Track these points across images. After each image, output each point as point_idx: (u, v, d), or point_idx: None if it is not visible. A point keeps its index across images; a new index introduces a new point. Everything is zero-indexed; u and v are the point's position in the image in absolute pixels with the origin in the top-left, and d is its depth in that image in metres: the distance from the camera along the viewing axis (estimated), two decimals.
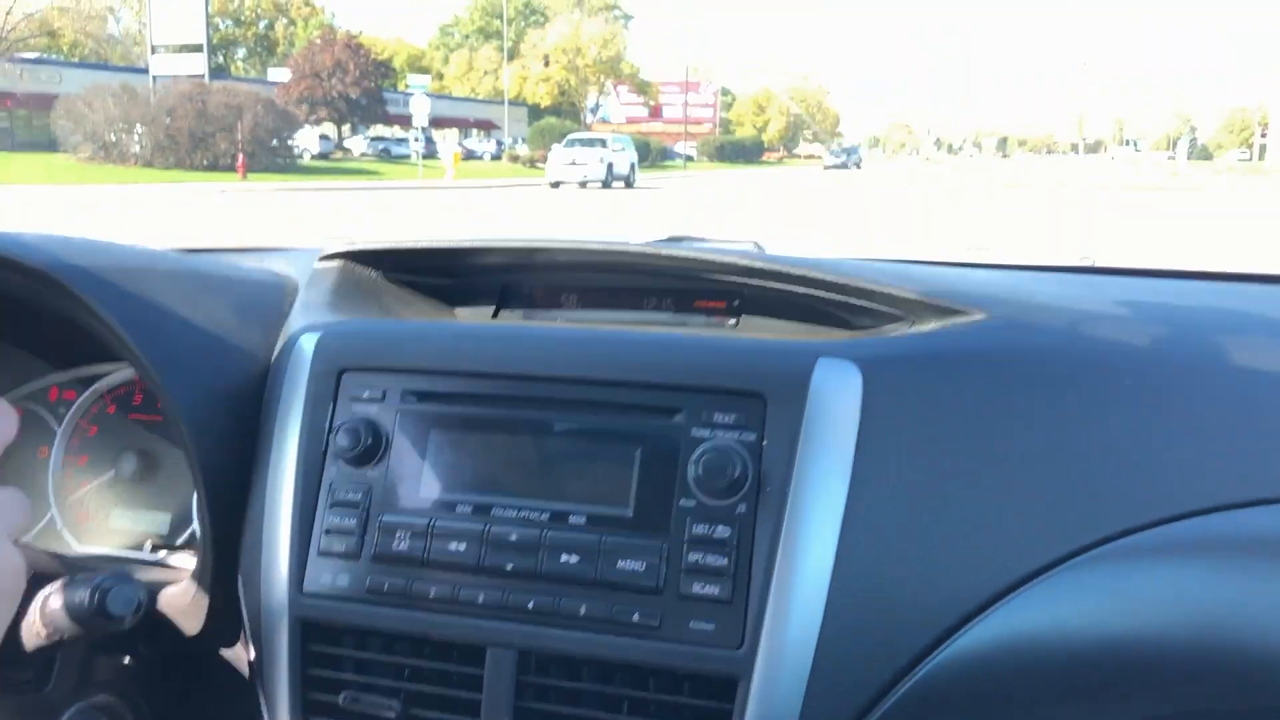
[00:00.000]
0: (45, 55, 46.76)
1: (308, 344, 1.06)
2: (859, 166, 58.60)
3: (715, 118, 71.81)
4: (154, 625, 1.05)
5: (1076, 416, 0.90)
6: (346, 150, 48.25)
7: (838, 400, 0.90)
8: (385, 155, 47.77)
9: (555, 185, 29.23)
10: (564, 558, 0.91)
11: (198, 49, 33.90)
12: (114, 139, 29.76)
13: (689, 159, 57.30)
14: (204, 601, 1.03)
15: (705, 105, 71.18)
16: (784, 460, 0.89)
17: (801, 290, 1.06)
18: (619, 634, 0.89)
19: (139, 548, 1.23)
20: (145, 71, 35.11)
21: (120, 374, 1.31)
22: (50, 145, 33.44)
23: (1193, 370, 0.93)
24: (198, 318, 1.09)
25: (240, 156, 28.06)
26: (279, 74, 49.75)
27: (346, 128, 50.41)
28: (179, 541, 1.21)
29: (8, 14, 40.45)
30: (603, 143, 31.40)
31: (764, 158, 63.91)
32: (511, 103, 62.16)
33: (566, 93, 62.13)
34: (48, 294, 1.06)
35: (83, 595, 0.86)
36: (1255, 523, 0.84)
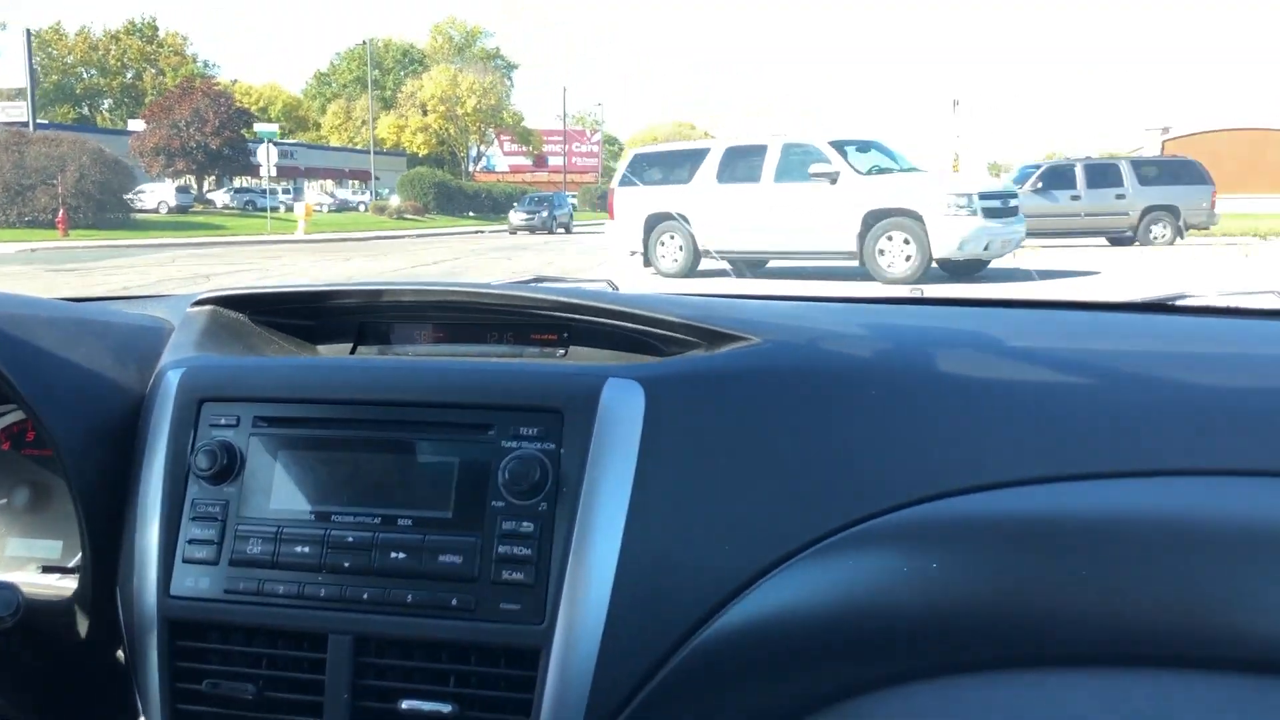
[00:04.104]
0: None
1: (173, 378, 1.18)
2: (566, 229, 34.51)
3: (599, 166, 71.07)
4: (41, 636, 1.17)
5: (827, 422, 1.04)
6: (209, 203, 46.00)
7: (623, 413, 1.04)
8: (250, 208, 45.69)
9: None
10: (393, 555, 1.05)
11: (20, 94, 31.71)
12: None
13: (573, 208, 56.33)
14: (86, 613, 1.15)
15: (590, 154, 70.46)
16: (578, 465, 1.03)
17: (618, 324, 1.21)
18: (441, 617, 1.02)
19: (33, 571, 1.29)
20: None
21: (15, 414, 1.40)
22: None
23: (926, 381, 1.07)
24: (77, 359, 1.19)
25: (61, 211, 25.95)
26: (138, 124, 47.47)
27: (211, 180, 48.24)
28: (70, 564, 1.28)
29: None
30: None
31: None
32: (390, 152, 60.56)
33: (446, 142, 60.70)
34: None
35: None
36: (970, 507, 0.97)
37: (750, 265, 13.22)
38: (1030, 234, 19.12)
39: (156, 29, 65.47)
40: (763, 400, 1.05)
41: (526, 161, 68.70)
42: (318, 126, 68.39)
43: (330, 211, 46.71)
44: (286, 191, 37.20)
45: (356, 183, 59.89)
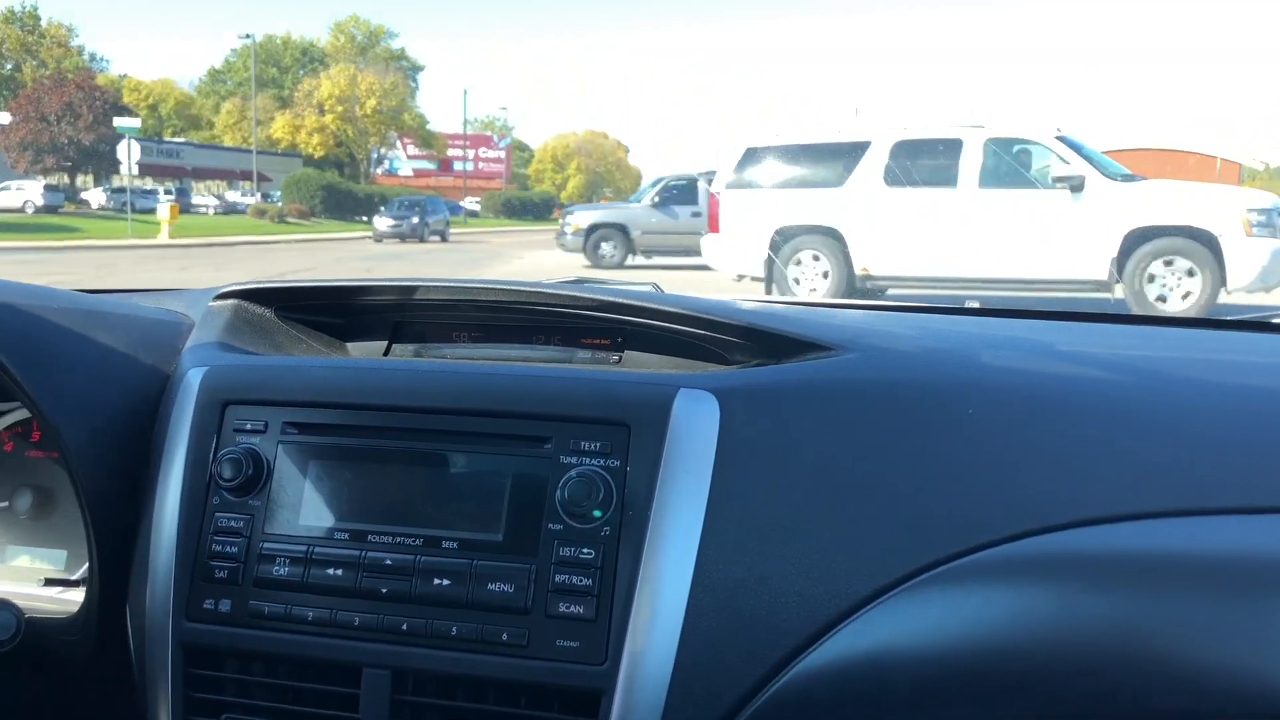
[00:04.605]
0: None
1: (194, 378, 1.09)
2: (442, 237, 29.71)
3: (507, 172, 69.33)
4: (42, 656, 1.07)
5: (922, 443, 0.95)
6: (83, 203, 43.20)
7: (696, 428, 0.95)
8: (129, 209, 43.13)
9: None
10: (436, 581, 0.96)
11: None
12: None
13: (472, 214, 54.58)
14: (91, 632, 1.06)
15: (497, 160, 68.67)
16: (646, 485, 0.94)
17: (678, 328, 1.12)
18: (489, 653, 0.94)
19: (35, 583, 1.22)
20: None
21: (20, 411, 1.31)
22: None
23: (1028, 399, 0.98)
24: (89, 355, 1.11)
25: None
26: (4, 117, 44.54)
27: (90, 178, 45.51)
28: (75, 577, 1.21)
29: None
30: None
31: (555, 214, 61.56)
32: (286, 153, 58.05)
33: (344, 143, 58.33)
34: None
35: None
36: (1080, 542, 0.89)
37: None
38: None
39: (38, 18, 62.06)
40: (850, 416, 0.96)
41: (432, 166, 66.72)
42: (211, 125, 65.49)
43: (217, 214, 44.18)
44: (169, 192, 34.87)
45: (248, 184, 57.34)
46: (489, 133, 71.56)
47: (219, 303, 1.25)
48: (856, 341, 1.03)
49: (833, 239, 9.80)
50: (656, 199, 18.03)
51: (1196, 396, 0.99)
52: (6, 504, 1.26)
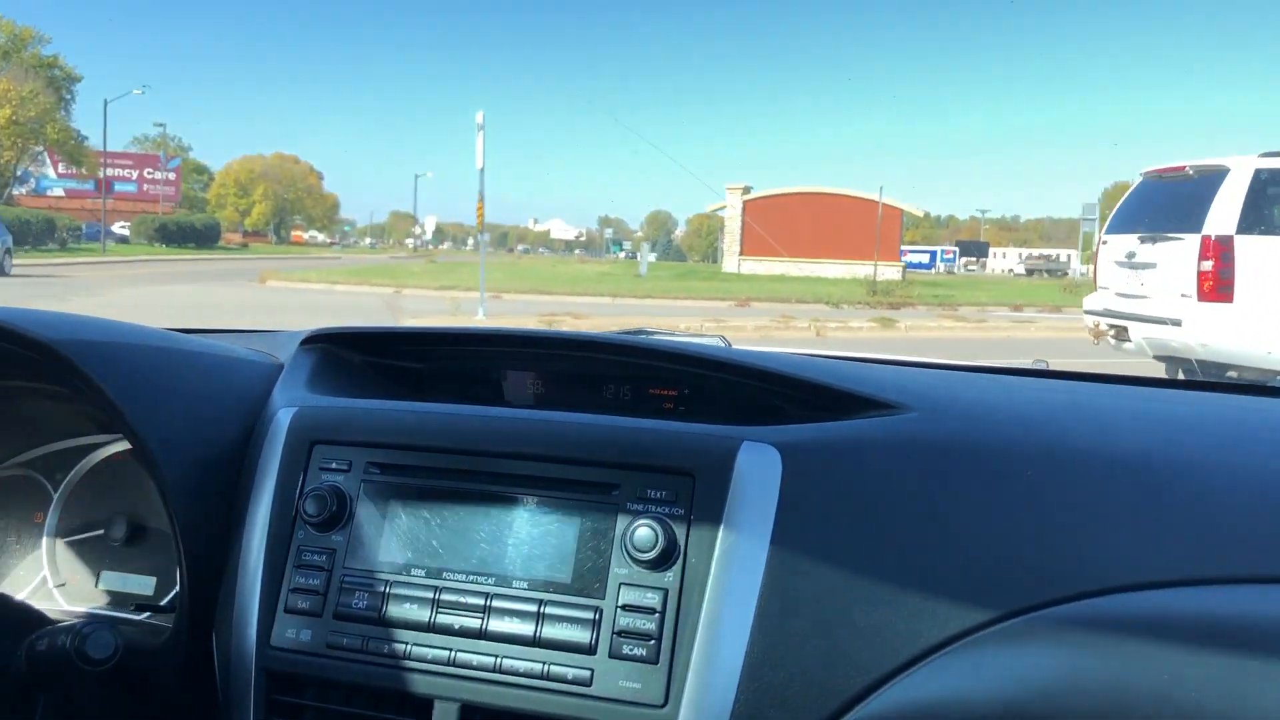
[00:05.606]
0: None
1: (284, 418, 1.16)
2: None
3: (177, 195, 63.89)
4: (132, 677, 1.11)
5: (983, 502, 0.96)
6: None
7: (758, 480, 0.99)
8: None
9: None
10: (507, 619, 1.01)
11: None
12: None
13: (122, 240, 49.57)
14: (179, 656, 1.11)
15: (166, 182, 63.13)
16: (709, 534, 0.98)
17: (742, 381, 1.17)
18: (555, 691, 0.97)
19: (126, 607, 1.31)
20: None
21: (116, 444, 1.39)
22: None
23: (1090, 461, 0.99)
24: (187, 392, 1.18)
25: None
26: None
27: None
28: (163, 603, 1.30)
29: None
30: None
31: (223, 242, 57.05)
32: None
33: None
34: (50, 366, 1.14)
35: (64, 639, 0.94)
36: (1142, 605, 0.89)
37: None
38: None
39: None
40: (911, 474, 0.98)
41: (88, 186, 60.33)
42: None
43: None
44: None
45: None
46: (158, 152, 65.72)
47: (307, 346, 1.30)
48: (919, 400, 1.04)
49: None
50: None
51: (1263, 463, 0.99)
52: (103, 531, 1.34)
